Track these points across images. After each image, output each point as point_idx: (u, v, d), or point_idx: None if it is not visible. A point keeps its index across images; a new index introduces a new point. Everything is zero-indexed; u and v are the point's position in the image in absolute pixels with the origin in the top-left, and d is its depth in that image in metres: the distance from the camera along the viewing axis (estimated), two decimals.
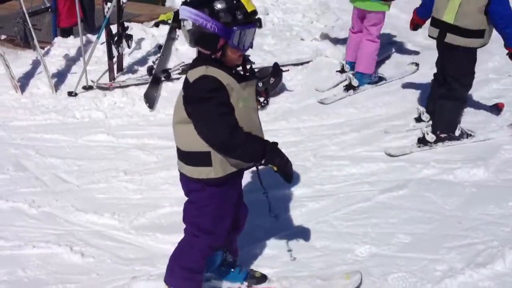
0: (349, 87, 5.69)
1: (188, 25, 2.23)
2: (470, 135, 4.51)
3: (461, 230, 3.32)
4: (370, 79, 5.78)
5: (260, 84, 5.45)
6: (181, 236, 3.32)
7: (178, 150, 2.45)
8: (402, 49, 6.80)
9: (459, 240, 3.22)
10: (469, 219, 3.44)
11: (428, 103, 4.83)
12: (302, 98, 5.61)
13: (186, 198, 3.74)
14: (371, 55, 5.68)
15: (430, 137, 4.40)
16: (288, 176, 2.35)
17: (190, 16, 2.22)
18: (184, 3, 2.28)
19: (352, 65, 5.89)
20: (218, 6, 2.19)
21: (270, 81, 5.47)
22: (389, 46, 6.81)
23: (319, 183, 4.00)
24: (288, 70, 5.91)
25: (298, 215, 3.60)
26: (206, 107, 2.23)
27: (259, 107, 5.30)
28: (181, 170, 2.47)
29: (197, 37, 2.24)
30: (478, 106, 5.18)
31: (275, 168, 2.31)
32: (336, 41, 6.80)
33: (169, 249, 3.22)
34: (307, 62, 6.40)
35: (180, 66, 5.99)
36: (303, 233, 3.39)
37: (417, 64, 6.31)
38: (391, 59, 6.60)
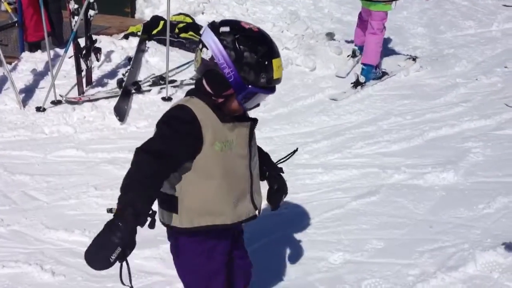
0: (356, 84, 5.99)
1: (207, 54, 1.94)
2: None
3: (432, 234, 3.36)
4: (375, 74, 6.16)
5: None
6: (153, 250, 3.32)
7: None
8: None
9: (430, 244, 3.26)
10: (440, 222, 3.48)
11: None
12: (274, 107, 5.63)
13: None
14: (375, 46, 6.10)
15: None
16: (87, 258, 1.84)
17: (213, 48, 1.92)
18: (212, 27, 1.97)
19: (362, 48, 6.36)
20: (248, 58, 1.89)
21: None
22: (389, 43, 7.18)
23: (292, 191, 3.96)
24: None
25: (271, 224, 3.59)
26: (159, 127, 1.97)
27: None
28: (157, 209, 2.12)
29: (209, 72, 1.95)
30: None
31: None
32: (307, 49, 6.85)
33: (141, 265, 3.21)
34: None
35: (151, 78, 5.96)
36: (277, 242, 3.39)
37: (414, 59, 6.63)
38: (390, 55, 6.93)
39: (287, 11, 8.31)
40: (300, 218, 3.65)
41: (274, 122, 5.28)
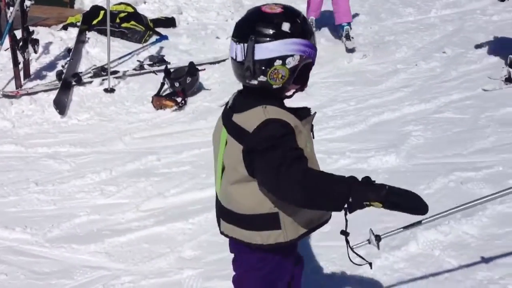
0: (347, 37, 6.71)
1: (294, 60, 1.77)
2: None
3: (376, 216, 3.36)
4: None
5: (177, 84, 5.40)
6: (98, 245, 3.26)
7: (230, 212, 1.92)
8: None
9: (374, 225, 3.29)
10: None
11: None
12: (220, 97, 5.59)
13: (103, 204, 3.68)
14: (348, 5, 6.82)
15: None
16: (414, 209, 1.77)
17: (300, 49, 1.78)
18: (276, 33, 1.75)
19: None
20: (307, 27, 1.83)
21: (186, 81, 5.41)
22: None
23: None
24: (204, 69, 5.88)
25: None
26: (274, 155, 1.73)
27: (176, 107, 5.28)
28: (234, 235, 1.94)
29: (301, 72, 1.82)
30: None
31: (380, 205, 1.74)
32: None
33: (86, 260, 3.15)
34: (224, 60, 6.39)
35: (92, 70, 5.81)
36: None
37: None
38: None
39: (231, 0, 8.27)
40: None
41: (221, 111, 5.21)
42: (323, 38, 7.05)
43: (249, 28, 1.78)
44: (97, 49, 6.33)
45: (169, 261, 3.13)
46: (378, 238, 2.24)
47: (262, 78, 1.78)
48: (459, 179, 3.76)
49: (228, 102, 1.97)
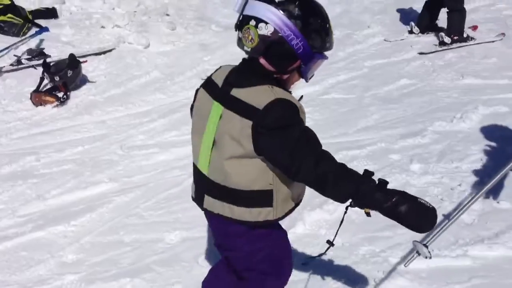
0: None
1: (266, 29, 1.77)
2: (473, 38, 5.86)
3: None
4: None
5: (57, 78, 5.09)
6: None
7: (222, 188, 1.91)
8: None
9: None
10: None
11: (419, 20, 6.22)
12: (106, 89, 5.36)
13: None
14: None
15: (447, 40, 5.76)
16: (413, 228, 1.77)
17: (275, 21, 1.76)
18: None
19: None
20: (313, 24, 1.80)
21: (67, 74, 5.12)
22: None
23: (126, 175, 3.85)
24: (86, 61, 5.59)
25: (105, 213, 3.42)
26: (288, 135, 1.75)
27: (57, 103, 4.98)
28: (221, 213, 1.94)
29: (272, 49, 1.79)
30: None
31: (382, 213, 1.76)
32: (139, 26, 6.61)
33: None
34: (110, 51, 6.14)
35: None
36: (111, 231, 3.24)
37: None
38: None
39: None
40: (135, 202, 3.52)
41: (107, 104, 5.03)
42: (213, 24, 6.99)
43: None
44: None
45: (49, 267, 2.95)
46: (425, 246, 2.26)
47: (240, 34, 1.83)
48: (346, 158, 3.84)
49: (211, 77, 1.98)
